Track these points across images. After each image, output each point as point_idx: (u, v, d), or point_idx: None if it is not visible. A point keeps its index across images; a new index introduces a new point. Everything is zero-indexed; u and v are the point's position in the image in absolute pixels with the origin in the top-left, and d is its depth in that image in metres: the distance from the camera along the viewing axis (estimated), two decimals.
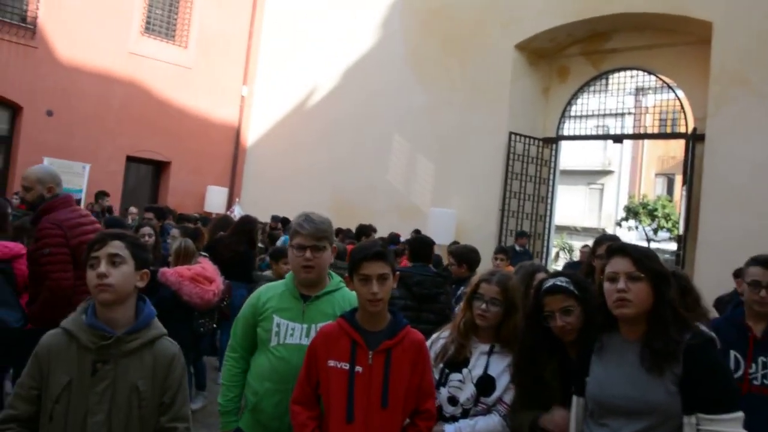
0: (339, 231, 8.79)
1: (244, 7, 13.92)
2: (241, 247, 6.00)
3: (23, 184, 3.55)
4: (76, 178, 11.66)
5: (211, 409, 5.03)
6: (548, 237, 10.54)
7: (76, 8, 11.57)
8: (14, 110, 11.34)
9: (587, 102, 10.19)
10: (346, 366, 2.11)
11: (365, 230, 8.43)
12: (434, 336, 2.57)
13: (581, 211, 24.07)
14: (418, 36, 11.34)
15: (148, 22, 12.66)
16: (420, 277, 4.15)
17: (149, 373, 1.87)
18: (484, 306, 2.40)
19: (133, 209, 9.61)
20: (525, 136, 9.97)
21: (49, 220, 3.42)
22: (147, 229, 5.26)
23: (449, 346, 2.46)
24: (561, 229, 19.58)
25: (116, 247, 1.85)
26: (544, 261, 10.08)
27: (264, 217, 9.65)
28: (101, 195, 9.28)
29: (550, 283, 2.23)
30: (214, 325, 4.90)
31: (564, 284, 2.19)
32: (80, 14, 11.60)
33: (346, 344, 2.13)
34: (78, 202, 10.23)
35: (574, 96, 10.16)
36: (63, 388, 1.78)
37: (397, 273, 2.23)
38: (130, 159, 12.43)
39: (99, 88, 11.80)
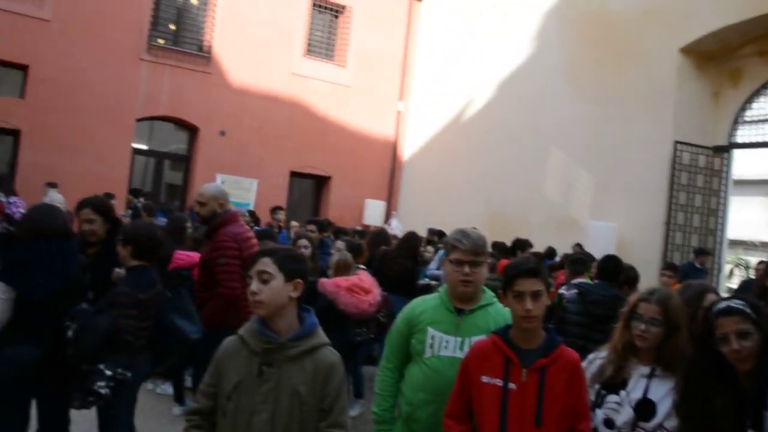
0: (494, 245, 9.49)
1: (400, 25, 16.12)
2: (408, 262, 7.02)
3: (199, 200, 4.48)
4: (245, 193, 14.02)
5: (367, 417, 5.57)
6: (720, 253, 10.87)
7: (245, 36, 14.18)
8: (192, 131, 14.23)
9: (764, 106, 10.46)
10: (499, 382, 2.40)
11: (521, 245, 9.15)
12: (591, 356, 2.79)
13: (759, 224, 23.69)
14: (575, 44, 12.37)
15: (309, 44, 15.16)
16: (598, 296, 4.64)
17: (309, 379, 2.27)
18: (643, 326, 2.58)
19: (294, 223, 11.37)
20: (692, 146, 10.48)
21: (227, 233, 4.37)
22: (303, 241, 6.15)
23: (606, 366, 2.67)
24: (736, 244, 19.69)
25: (264, 264, 2.28)
26: (716, 279, 10.42)
27: (420, 230, 10.68)
28: (276, 210, 10.90)
29: (724, 304, 2.34)
30: (372, 336, 5.65)
31: (740, 306, 2.29)
32: (249, 41, 14.22)
33: (499, 361, 2.43)
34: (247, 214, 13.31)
35: (749, 100, 10.50)
36: (233, 387, 2.27)
37: (552, 290, 2.68)
38: (293, 174, 14.96)
39: (265, 108, 14.39)
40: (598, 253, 8.03)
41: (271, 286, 2.26)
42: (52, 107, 12.55)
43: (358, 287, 5.30)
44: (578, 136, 12.15)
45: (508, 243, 9.44)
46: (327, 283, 5.24)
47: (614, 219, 11.14)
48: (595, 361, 2.76)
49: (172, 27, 14.19)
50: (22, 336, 3.41)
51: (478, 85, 14.45)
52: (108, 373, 3.37)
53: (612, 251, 9.87)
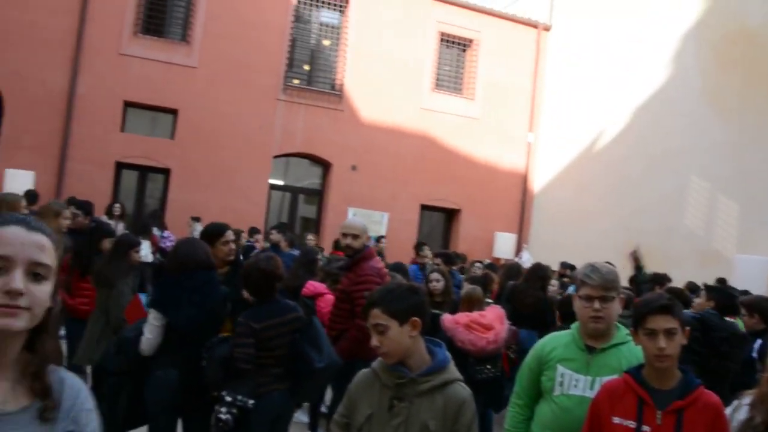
0: (631, 279, 9.42)
1: (528, 56, 16.43)
2: (539, 293, 7.07)
3: (352, 233, 4.82)
4: (376, 226, 14.34)
5: None
6: None
7: (374, 73, 14.96)
8: (325, 167, 15.07)
9: None
10: (632, 424, 2.38)
11: (659, 279, 8.85)
12: (736, 403, 2.61)
13: None
14: (715, 65, 12.18)
15: (437, 79, 15.75)
16: (725, 332, 4.69)
17: (440, 414, 2.32)
18: None
19: (427, 253, 12.89)
20: None
21: (370, 267, 4.72)
22: (435, 275, 6.43)
23: (755, 415, 2.45)
24: None
25: (375, 316, 2.37)
26: None
27: (552, 263, 10.57)
28: (422, 246, 11.00)
29: None
30: (498, 373, 5.55)
31: None
32: (378, 78, 14.98)
33: (632, 401, 2.40)
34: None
35: None
36: (365, 420, 2.39)
37: (687, 328, 2.48)
38: (424, 207, 15.41)
39: (395, 142, 15.03)
40: (746, 288, 7.80)
41: (388, 337, 2.34)
42: (198, 147, 13.78)
43: (478, 323, 5.31)
44: (721, 162, 11.86)
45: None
46: (447, 319, 5.31)
47: (764, 251, 10.74)
48: (741, 407, 2.55)
49: (306, 67, 15.45)
50: (168, 360, 3.87)
51: (611, 112, 14.42)
52: (228, 399, 3.68)
53: (763, 287, 9.61)
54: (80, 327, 5.54)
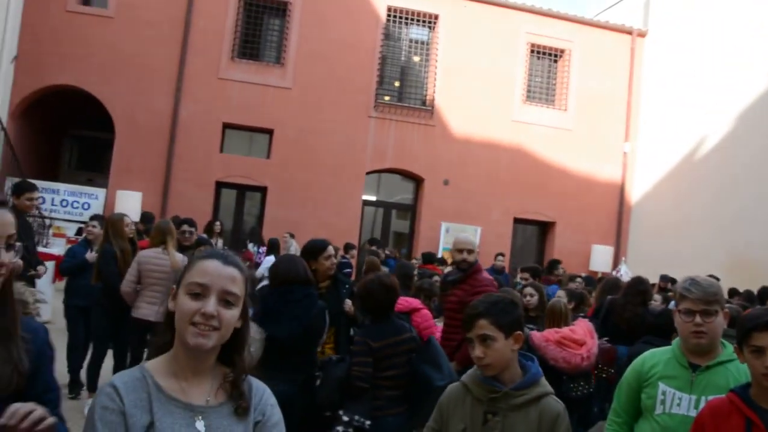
0: (734, 293, 9.14)
1: (622, 64, 15.98)
2: (638, 308, 6.58)
3: (467, 248, 5.02)
4: None
5: None
6: None
7: (465, 87, 14.93)
8: (417, 182, 15.14)
9: None
10: None
11: (766, 294, 8.40)
12: None
13: None
14: None
15: (529, 91, 15.57)
16: None
17: (534, 427, 2.32)
18: None
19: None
20: None
21: (485, 279, 4.95)
22: (530, 290, 6.35)
23: None
24: None
25: (483, 327, 2.36)
26: None
27: (652, 276, 9.86)
28: (555, 264, 11.21)
29: None
30: (591, 390, 5.38)
31: None
32: (469, 92, 14.95)
33: (738, 422, 2.26)
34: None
35: None
36: None
37: None
38: (517, 221, 15.20)
39: (487, 156, 14.92)
40: None
41: (494, 348, 2.35)
42: (293, 165, 14.16)
43: (570, 339, 5.15)
44: None
45: (754, 291, 8.70)
46: (536, 337, 5.15)
47: None
48: None
49: (397, 84, 15.62)
50: (268, 373, 4.17)
51: (712, 119, 13.81)
52: (345, 419, 3.68)
53: None
54: None
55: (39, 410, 1.50)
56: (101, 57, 13.66)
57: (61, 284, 7.80)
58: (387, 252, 12.46)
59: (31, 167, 13.47)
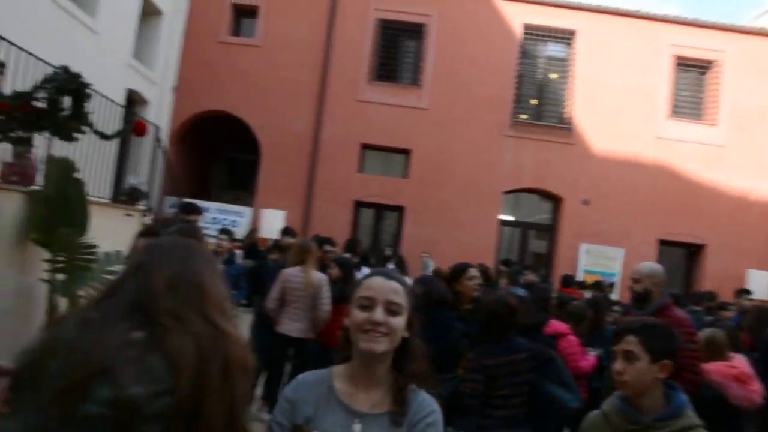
0: None
1: None
2: None
3: (633, 277, 4.64)
4: (611, 263, 13.97)
5: None
6: None
7: (604, 103, 14.55)
8: (556, 201, 14.86)
9: None
10: None
11: None
12: None
13: None
14: None
15: (674, 105, 14.88)
16: None
17: None
18: None
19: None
20: None
21: (678, 317, 4.41)
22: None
23: None
24: None
25: (629, 342, 2.31)
26: None
27: None
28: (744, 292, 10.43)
29: None
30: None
31: None
32: (609, 108, 14.53)
33: None
34: (611, 285, 13.62)
35: None
36: None
37: None
38: (662, 242, 14.54)
39: (630, 174, 14.40)
40: None
41: (636, 367, 2.29)
42: (430, 185, 14.32)
43: (746, 375, 4.73)
44: None
45: None
46: (715, 372, 4.63)
47: None
48: None
49: (534, 102, 15.43)
50: None
51: None
52: None
53: None
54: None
55: None
56: (249, 83, 14.48)
57: None
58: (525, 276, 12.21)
59: (187, 187, 14.34)
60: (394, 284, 1.84)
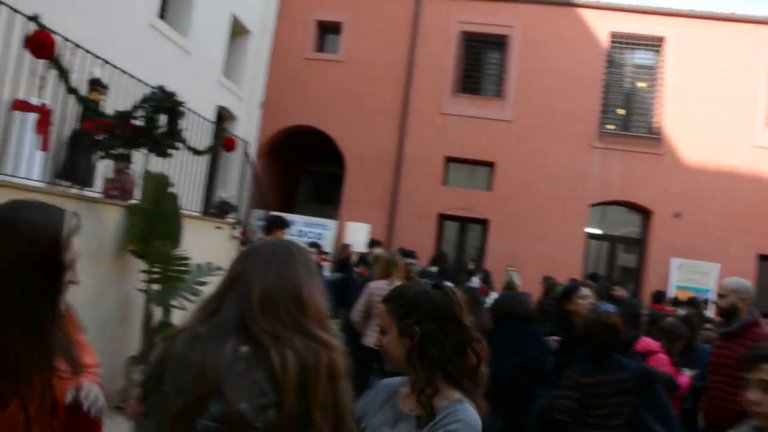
0: None
1: None
2: None
3: (719, 293, 4.62)
4: (704, 278, 13.47)
5: None
6: None
7: (696, 112, 14.06)
8: (645, 214, 14.46)
9: None
10: None
11: None
12: None
13: None
14: None
15: None
16: None
17: None
18: None
19: None
20: None
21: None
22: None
23: None
24: None
25: (764, 371, 2.17)
26: None
27: None
28: None
29: None
30: None
31: None
32: (701, 117, 14.05)
33: None
34: (706, 302, 13.05)
35: None
36: None
37: None
38: (762, 258, 13.92)
39: (724, 186, 13.88)
40: None
41: None
42: (514, 198, 14.21)
43: None
44: None
45: None
46: None
47: None
48: None
49: (621, 112, 15.07)
50: (492, 408, 4.08)
51: None
52: None
53: None
54: None
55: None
56: (333, 98, 14.73)
57: None
58: (614, 290, 11.89)
59: (273, 200, 14.65)
60: (381, 306, 2.03)
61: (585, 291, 4.87)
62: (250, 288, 1.58)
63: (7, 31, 5.34)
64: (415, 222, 14.29)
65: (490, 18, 14.88)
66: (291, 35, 15.26)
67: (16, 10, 5.33)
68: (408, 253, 8.48)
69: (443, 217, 14.70)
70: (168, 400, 1.46)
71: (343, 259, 10.67)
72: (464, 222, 14.91)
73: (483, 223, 14.60)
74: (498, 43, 15.05)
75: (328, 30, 15.68)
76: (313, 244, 8.15)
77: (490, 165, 14.65)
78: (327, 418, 1.50)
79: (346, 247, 12.06)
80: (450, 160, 14.75)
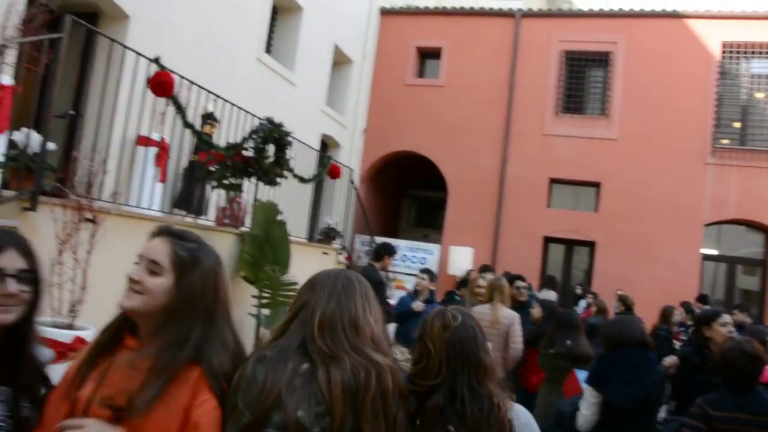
0: None
1: None
2: None
3: None
4: None
5: None
6: None
7: None
8: (767, 233, 13.92)
9: None
10: None
11: None
12: None
13: None
14: None
15: None
16: None
17: None
18: None
19: None
20: None
21: None
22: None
23: None
24: None
25: None
26: None
27: None
28: None
29: None
30: None
31: None
32: None
33: None
34: None
35: None
36: None
37: None
38: None
39: None
40: None
41: None
42: (622, 218, 13.85)
43: None
44: None
45: None
46: None
47: None
48: None
49: (737, 125, 14.40)
50: None
51: None
52: None
53: None
54: (531, 398, 6.07)
55: None
56: (434, 123, 14.94)
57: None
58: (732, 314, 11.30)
59: (377, 226, 14.92)
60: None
61: (727, 318, 4.68)
62: (312, 314, 1.83)
63: (133, 73, 5.81)
64: (519, 245, 14.20)
65: (592, 35, 14.69)
66: (391, 62, 15.65)
67: (140, 54, 5.80)
68: (517, 277, 8.45)
69: (548, 240, 14.50)
70: (240, 415, 1.68)
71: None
72: (570, 244, 14.64)
73: (589, 245, 14.29)
74: (601, 60, 14.82)
75: (427, 56, 15.96)
76: (426, 270, 8.29)
77: (595, 185, 14.37)
78: (378, 428, 1.70)
79: (470, 273, 12.05)
80: (554, 181, 14.59)
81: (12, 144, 4.82)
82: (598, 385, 3.95)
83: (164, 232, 1.88)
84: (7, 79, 4.87)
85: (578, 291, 12.77)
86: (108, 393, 1.69)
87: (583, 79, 15.04)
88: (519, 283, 8.13)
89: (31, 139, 4.70)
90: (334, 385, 1.69)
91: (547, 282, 11.62)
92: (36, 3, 5.90)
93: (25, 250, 1.78)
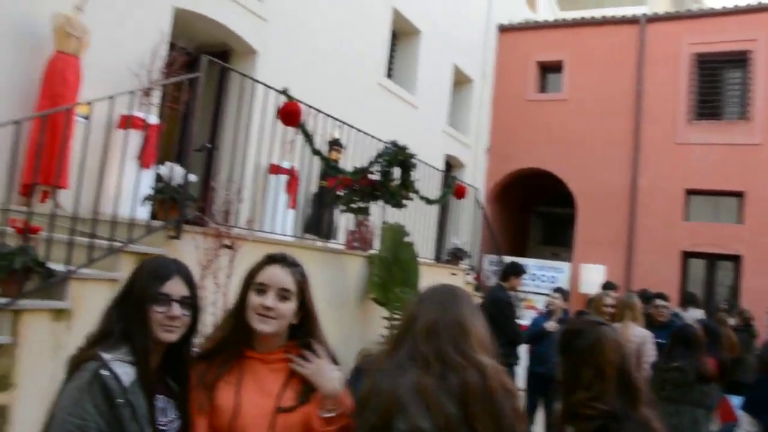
0: None
1: None
2: None
3: None
4: None
5: None
6: None
7: None
8: None
9: None
10: None
11: None
12: None
13: None
14: None
15: None
16: None
17: None
18: None
19: None
20: None
21: None
22: None
23: None
24: None
25: None
26: None
27: None
28: None
29: None
30: None
31: None
32: None
33: None
34: None
35: None
36: None
37: None
38: None
39: None
40: None
41: None
42: None
43: None
44: None
45: None
46: None
47: None
48: None
49: None
50: None
51: None
52: None
53: None
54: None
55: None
56: (559, 137, 14.67)
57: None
58: None
59: (504, 244, 14.79)
60: None
61: None
62: (419, 324, 1.98)
63: (263, 104, 6.15)
64: (655, 261, 13.59)
65: (726, 35, 13.94)
66: (512, 79, 15.58)
67: (268, 86, 6.13)
68: (657, 295, 8.09)
69: (687, 255, 13.77)
70: (368, 421, 1.87)
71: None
72: (712, 259, 13.83)
73: (734, 259, 13.44)
74: (738, 60, 14.00)
75: (548, 69, 15.75)
76: (559, 290, 8.17)
77: (738, 195, 13.52)
78: (487, 427, 1.80)
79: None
80: (691, 192, 13.88)
81: (158, 177, 5.21)
82: (755, 411, 3.77)
83: (279, 260, 2.14)
84: (154, 118, 5.29)
85: (724, 306, 12.01)
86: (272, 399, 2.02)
87: (718, 82, 14.29)
88: (659, 302, 7.75)
89: (174, 172, 5.07)
90: (446, 391, 1.82)
91: (689, 299, 10.99)
92: (176, 47, 6.37)
93: (188, 278, 2.06)
